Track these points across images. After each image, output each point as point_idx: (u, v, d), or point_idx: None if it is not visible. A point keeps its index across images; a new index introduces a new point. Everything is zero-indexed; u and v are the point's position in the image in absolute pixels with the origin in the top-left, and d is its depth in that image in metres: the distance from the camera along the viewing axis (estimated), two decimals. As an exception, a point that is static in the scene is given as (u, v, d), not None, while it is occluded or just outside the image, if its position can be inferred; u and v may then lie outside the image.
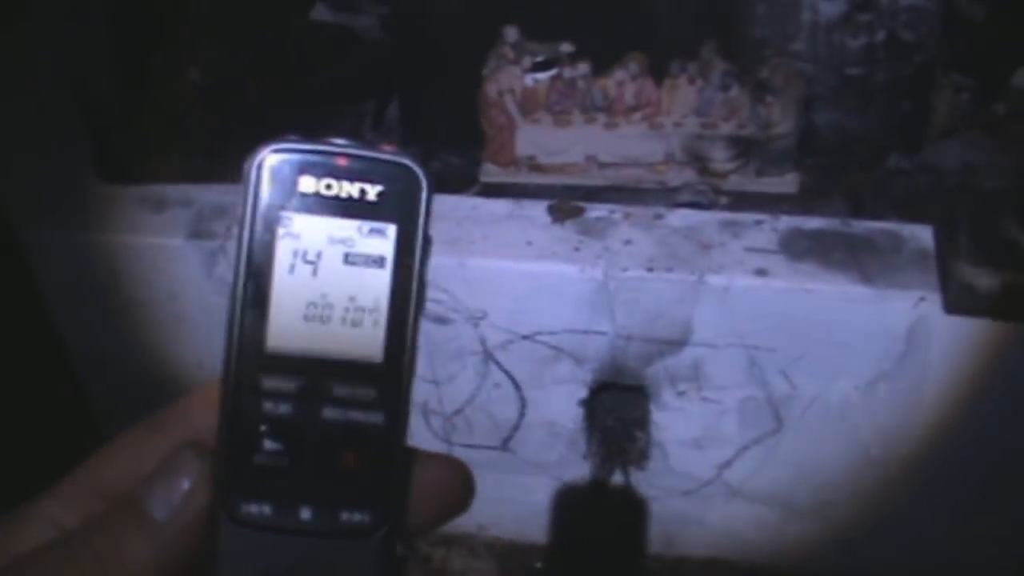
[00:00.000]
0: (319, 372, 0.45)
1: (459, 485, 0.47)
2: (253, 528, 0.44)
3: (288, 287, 0.44)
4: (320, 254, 0.45)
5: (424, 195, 0.45)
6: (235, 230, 0.45)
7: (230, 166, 1.68)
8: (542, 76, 1.76)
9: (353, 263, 0.45)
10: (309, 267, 0.45)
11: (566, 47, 1.76)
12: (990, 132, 1.95)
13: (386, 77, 1.83)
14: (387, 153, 0.45)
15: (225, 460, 0.44)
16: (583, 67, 1.74)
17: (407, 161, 0.45)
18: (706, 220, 1.62)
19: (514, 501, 1.76)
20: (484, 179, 1.76)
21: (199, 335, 1.66)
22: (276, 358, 0.44)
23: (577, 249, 1.56)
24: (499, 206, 1.65)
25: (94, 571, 0.43)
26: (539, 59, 1.76)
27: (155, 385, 1.69)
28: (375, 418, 0.45)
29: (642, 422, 1.69)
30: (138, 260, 1.64)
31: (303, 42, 1.81)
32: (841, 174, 1.81)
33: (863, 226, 1.62)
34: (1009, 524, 1.68)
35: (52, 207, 1.67)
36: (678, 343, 1.57)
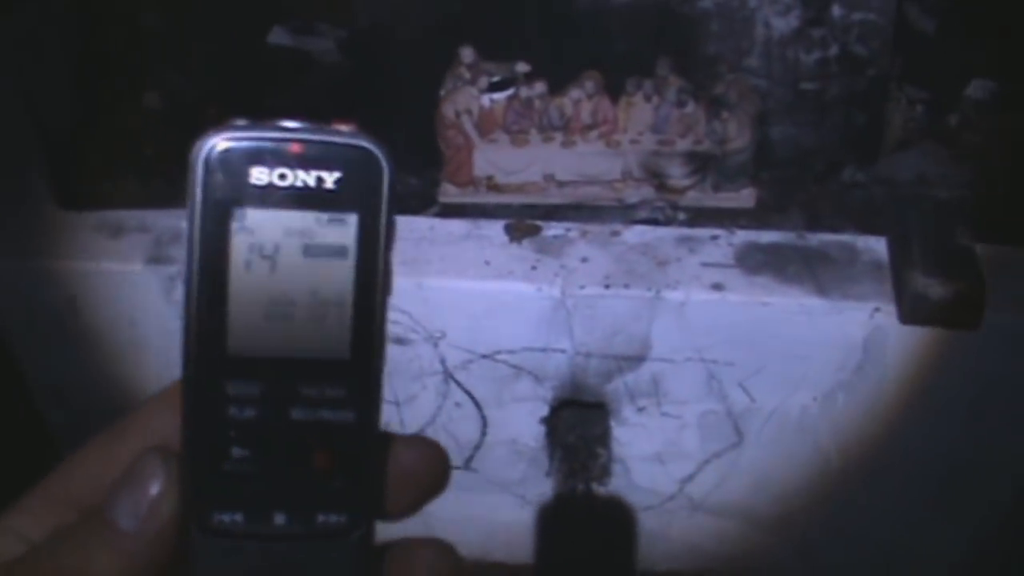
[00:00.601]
0: (285, 373, 0.43)
1: (435, 465, 0.47)
2: (225, 537, 0.43)
3: (246, 285, 0.42)
4: (278, 248, 0.42)
5: (386, 179, 0.43)
6: (184, 226, 0.43)
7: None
8: (499, 96, 1.76)
9: (314, 255, 0.43)
10: (267, 262, 0.43)
11: (522, 67, 1.77)
12: (944, 143, 1.97)
13: (344, 100, 1.83)
14: (344, 136, 0.43)
15: (192, 469, 0.43)
16: (539, 86, 1.75)
17: (365, 143, 0.43)
18: (662, 236, 1.63)
19: (478, 520, 1.76)
20: (443, 200, 1.76)
21: (159, 360, 1.66)
22: (238, 361, 0.43)
23: (534, 267, 1.57)
24: (456, 226, 1.65)
25: None
26: (495, 79, 1.77)
27: (116, 411, 1.68)
28: (346, 416, 0.43)
29: (603, 438, 1.69)
30: (96, 286, 1.63)
31: (261, 66, 1.81)
32: (797, 188, 1.82)
33: (818, 239, 1.64)
34: (969, 528, 1.69)
35: (7, 234, 1.66)
36: (637, 359, 1.58)
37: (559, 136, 1.77)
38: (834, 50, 1.83)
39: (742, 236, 1.62)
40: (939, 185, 1.89)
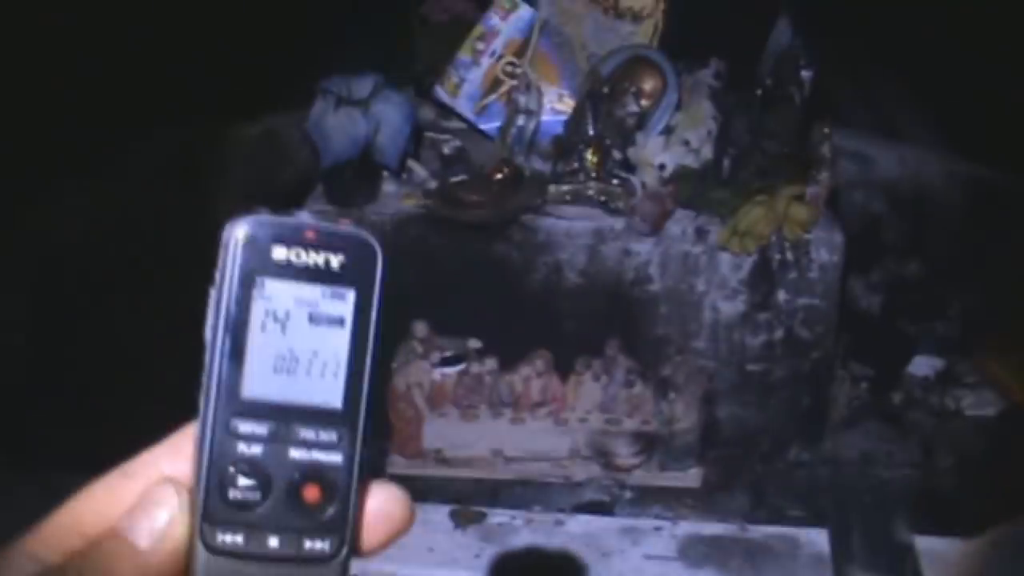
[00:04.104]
0: (287, 417, 0.48)
1: (403, 506, 0.51)
2: (226, 556, 0.47)
3: (260, 342, 0.48)
4: (288, 314, 0.48)
5: (380, 265, 0.49)
6: (213, 292, 0.48)
7: None
8: (450, 371, 1.79)
9: (317, 322, 0.49)
10: (278, 325, 0.48)
11: (474, 343, 1.80)
12: (887, 421, 2.01)
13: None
14: (347, 228, 0.49)
15: (202, 495, 0.47)
16: (490, 363, 1.79)
17: (364, 235, 0.49)
18: (605, 526, 1.64)
19: None
20: (390, 471, 1.77)
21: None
22: (250, 405, 0.48)
23: (478, 556, 1.57)
24: (402, 509, 1.65)
25: None
26: (447, 354, 1.80)
27: None
28: (335, 457, 0.49)
29: None
30: None
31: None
32: (743, 467, 1.85)
33: (760, 531, 1.65)
34: None
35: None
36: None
37: (508, 412, 1.79)
38: (779, 333, 1.88)
39: (684, 527, 1.64)
40: (883, 464, 1.93)
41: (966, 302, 2.18)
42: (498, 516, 1.64)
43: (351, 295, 0.49)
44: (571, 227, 1.81)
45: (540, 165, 1.89)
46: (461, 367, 1.79)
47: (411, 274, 1.79)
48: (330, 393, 0.49)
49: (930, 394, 2.07)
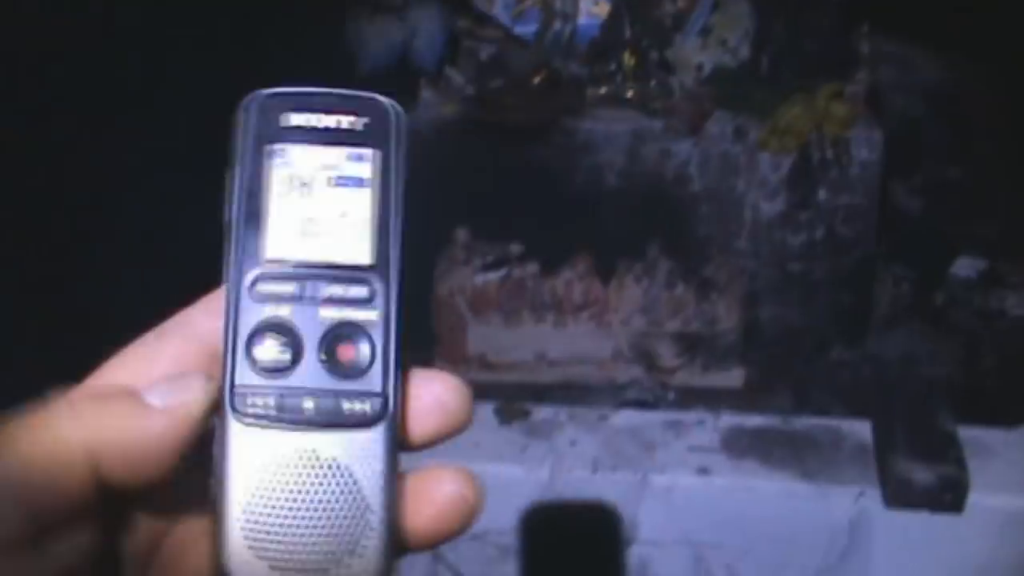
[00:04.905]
0: (315, 276, 0.48)
1: (461, 394, 0.49)
2: (259, 424, 0.47)
3: (282, 207, 0.48)
4: (308, 178, 0.49)
5: (399, 124, 0.49)
6: (231, 170, 0.48)
7: None
8: (492, 276, 1.81)
9: (339, 184, 0.49)
10: (299, 190, 0.49)
11: (515, 248, 1.82)
12: (930, 321, 2.01)
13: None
14: (361, 92, 0.50)
15: (230, 361, 0.47)
16: (532, 267, 1.80)
17: (381, 98, 0.50)
18: (649, 420, 1.65)
19: None
20: (436, 377, 1.79)
21: None
22: (274, 264, 0.48)
23: (524, 450, 1.59)
24: (448, 407, 1.68)
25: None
26: (489, 259, 1.81)
27: None
28: (369, 314, 0.48)
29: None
30: None
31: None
32: (785, 368, 1.85)
33: (803, 423, 1.66)
34: None
35: None
36: (624, 542, 1.59)
37: (551, 316, 1.81)
38: (820, 232, 1.88)
39: (728, 420, 1.65)
40: (925, 363, 1.93)
41: (1009, 203, 2.17)
42: (543, 412, 1.66)
43: (372, 155, 0.49)
44: (609, 129, 1.82)
45: (577, 68, 1.90)
46: (503, 272, 1.81)
47: (451, 180, 1.80)
48: (358, 250, 0.49)
49: (973, 295, 2.06)
